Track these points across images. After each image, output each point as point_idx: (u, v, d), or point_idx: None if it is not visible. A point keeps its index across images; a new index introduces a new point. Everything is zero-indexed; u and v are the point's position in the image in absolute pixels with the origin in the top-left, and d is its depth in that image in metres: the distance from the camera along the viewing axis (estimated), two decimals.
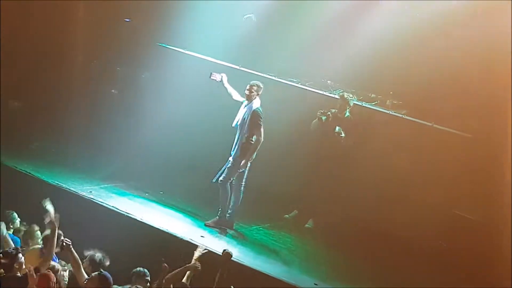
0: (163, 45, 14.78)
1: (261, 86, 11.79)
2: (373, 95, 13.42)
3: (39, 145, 14.47)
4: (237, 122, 11.78)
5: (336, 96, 13.11)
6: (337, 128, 12.50)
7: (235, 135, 11.84)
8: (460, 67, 12.92)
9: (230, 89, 12.10)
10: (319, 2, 13.96)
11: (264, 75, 13.63)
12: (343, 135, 12.48)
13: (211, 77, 12.10)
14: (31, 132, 14.80)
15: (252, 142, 11.64)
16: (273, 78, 13.73)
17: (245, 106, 11.78)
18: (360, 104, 12.79)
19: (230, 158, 11.76)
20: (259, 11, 14.29)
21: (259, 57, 14.32)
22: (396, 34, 13.40)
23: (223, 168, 11.86)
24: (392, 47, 13.51)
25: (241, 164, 11.63)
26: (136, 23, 15.73)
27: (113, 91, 15.85)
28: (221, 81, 12.11)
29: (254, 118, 11.62)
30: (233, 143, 11.81)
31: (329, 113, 12.58)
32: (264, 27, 14.38)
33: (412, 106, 13.20)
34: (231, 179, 11.78)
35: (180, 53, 14.51)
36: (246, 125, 11.65)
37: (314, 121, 12.79)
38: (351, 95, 12.74)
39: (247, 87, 11.75)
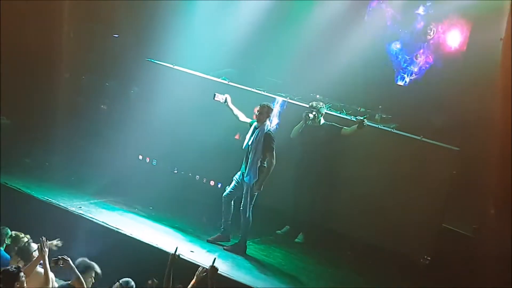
0: (152, 60, 14.80)
1: (272, 107, 11.79)
2: (362, 109, 13.45)
3: (29, 162, 14.45)
4: (247, 144, 11.64)
5: (326, 110, 13.16)
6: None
7: (243, 157, 11.73)
8: (448, 79, 13.03)
9: (236, 111, 11.94)
10: (307, 16, 14.05)
11: (253, 90, 13.65)
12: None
13: (215, 98, 11.96)
14: (21, 149, 14.77)
15: (265, 166, 11.59)
16: (262, 93, 13.74)
17: (256, 127, 11.63)
18: (349, 118, 12.78)
19: (243, 178, 11.65)
20: (248, 27, 14.32)
21: (248, 71, 14.39)
22: (385, 48, 13.53)
23: (232, 186, 11.83)
24: (381, 61, 13.61)
25: (256, 187, 11.58)
26: (125, 38, 15.77)
27: (102, 106, 15.87)
28: (225, 102, 11.99)
29: (267, 141, 11.49)
30: (244, 165, 11.69)
31: (314, 111, 12.53)
32: (253, 42, 14.43)
33: (401, 120, 13.25)
34: (236, 197, 11.77)
35: (169, 68, 14.51)
36: (260, 148, 11.51)
37: (295, 127, 12.78)
38: (320, 103, 12.73)
39: (258, 109, 11.66)
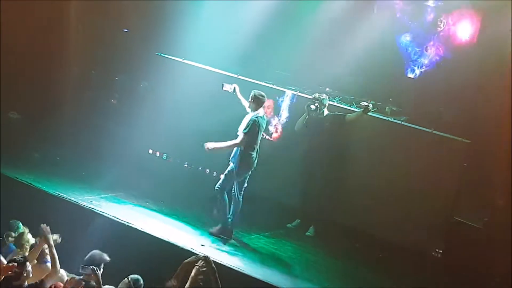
0: (162, 54, 14.80)
1: (259, 95, 11.64)
2: (372, 102, 13.39)
3: (39, 156, 14.48)
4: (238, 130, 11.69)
5: (336, 103, 13.15)
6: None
7: None
8: (458, 71, 12.97)
9: (244, 101, 11.91)
10: (317, 9, 14.01)
11: (262, 83, 13.64)
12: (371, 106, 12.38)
13: (223, 89, 12.03)
14: (31, 143, 14.81)
15: (251, 152, 11.62)
16: (272, 86, 13.73)
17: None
18: (359, 111, 12.74)
19: (231, 164, 11.73)
20: (257, 19, 14.29)
21: (257, 65, 14.38)
22: (392, 39, 13.50)
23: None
24: (390, 53, 13.56)
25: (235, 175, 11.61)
26: (134, 33, 15.77)
27: (112, 100, 15.89)
28: (234, 92, 12.01)
29: (246, 123, 11.51)
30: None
31: (316, 103, 12.51)
32: (263, 35, 14.40)
33: (411, 112, 13.21)
34: (228, 187, 11.72)
35: (179, 63, 14.52)
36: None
37: (299, 119, 12.76)
38: (323, 95, 12.70)
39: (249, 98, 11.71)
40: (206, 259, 8.98)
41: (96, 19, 16.03)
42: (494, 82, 12.35)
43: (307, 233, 12.80)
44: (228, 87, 12.02)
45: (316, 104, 12.45)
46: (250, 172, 11.71)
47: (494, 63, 12.39)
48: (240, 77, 13.64)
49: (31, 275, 8.60)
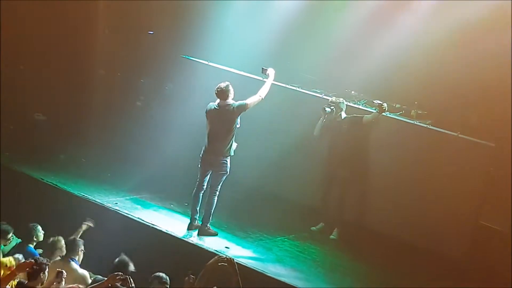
0: (187, 57, 14.84)
1: (224, 86, 11.57)
2: (397, 105, 13.36)
3: (65, 158, 14.57)
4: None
5: (361, 107, 13.12)
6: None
7: None
8: (484, 75, 12.87)
9: (263, 88, 11.71)
10: (343, 12, 13.98)
11: (288, 86, 13.65)
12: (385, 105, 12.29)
13: (267, 73, 11.85)
14: (57, 145, 14.90)
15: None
16: (297, 89, 13.74)
17: None
18: (385, 114, 12.70)
19: None
20: (283, 22, 14.28)
21: (283, 68, 14.36)
22: (420, 44, 13.40)
23: None
24: (416, 56, 13.48)
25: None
26: (159, 35, 15.83)
27: (137, 103, 15.96)
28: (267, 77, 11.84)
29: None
30: None
31: (332, 106, 12.51)
32: (288, 38, 14.39)
33: (437, 115, 13.14)
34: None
35: (204, 65, 14.56)
36: None
37: (317, 124, 12.74)
38: (340, 99, 12.70)
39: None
40: (229, 260, 8.98)
41: (121, 21, 16.09)
42: None
43: (331, 236, 12.77)
44: (270, 71, 11.83)
45: (332, 107, 12.44)
46: (204, 168, 11.81)
47: None
48: (264, 80, 13.63)
49: (45, 280, 8.60)
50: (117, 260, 9.21)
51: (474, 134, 12.38)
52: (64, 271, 8.75)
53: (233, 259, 8.77)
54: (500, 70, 12.54)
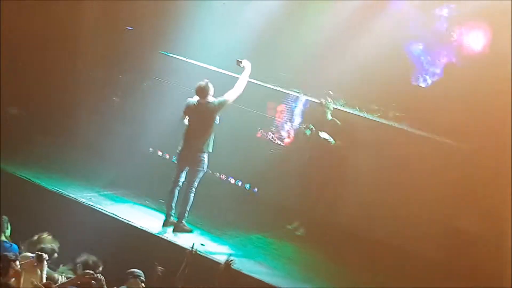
0: (165, 53, 14.79)
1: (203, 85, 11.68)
2: (375, 107, 13.38)
3: (39, 152, 14.44)
4: None
5: (340, 108, 13.15)
6: (323, 134, 12.46)
7: None
8: (461, 79, 12.93)
9: (239, 83, 11.76)
10: (322, 12, 13.96)
11: (266, 85, 13.64)
12: (332, 141, 12.42)
13: (241, 65, 11.84)
14: (31, 139, 14.79)
15: None
16: (276, 88, 13.74)
17: None
18: (363, 116, 12.73)
19: None
20: (262, 20, 14.25)
21: (261, 67, 14.32)
22: (399, 46, 13.44)
23: None
24: (395, 58, 13.51)
25: None
26: (138, 31, 15.75)
27: (114, 98, 15.87)
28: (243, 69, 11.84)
29: None
30: None
31: (311, 126, 12.55)
32: (267, 37, 14.37)
33: (414, 117, 13.17)
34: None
35: (182, 61, 14.52)
36: None
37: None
38: (329, 100, 12.76)
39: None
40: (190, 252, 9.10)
41: (100, 17, 15.99)
42: (500, 91, 12.27)
43: (297, 233, 12.76)
44: (245, 63, 11.83)
45: (312, 127, 12.52)
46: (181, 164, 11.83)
47: (498, 69, 12.32)
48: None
49: (22, 278, 8.47)
50: (81, 259, 9.18)
51: (451, 136, 12.42)
52: (45, 254, 8.64)
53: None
54: (479, 71, 12.60)
